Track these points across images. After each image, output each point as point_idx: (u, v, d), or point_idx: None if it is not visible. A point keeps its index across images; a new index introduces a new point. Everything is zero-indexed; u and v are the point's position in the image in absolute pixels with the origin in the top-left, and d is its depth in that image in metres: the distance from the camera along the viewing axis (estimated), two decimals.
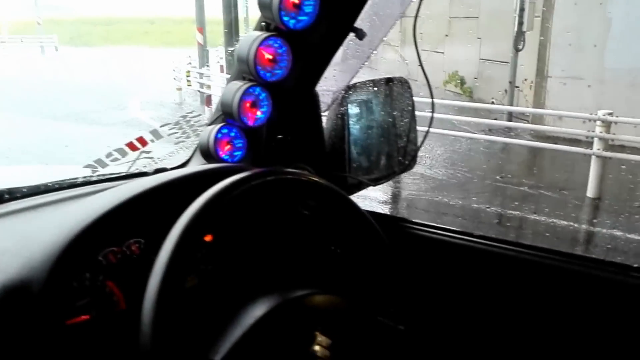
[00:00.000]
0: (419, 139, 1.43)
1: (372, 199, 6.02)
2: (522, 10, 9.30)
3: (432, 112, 1.22)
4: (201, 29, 13.31)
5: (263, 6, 1.04)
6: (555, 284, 1.18)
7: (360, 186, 1.36)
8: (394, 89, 1.42)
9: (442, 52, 12.85)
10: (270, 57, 1.10)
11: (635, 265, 1.11)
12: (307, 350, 0.82)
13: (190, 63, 13.54)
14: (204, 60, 13.37)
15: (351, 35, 1.17)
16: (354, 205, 1.00)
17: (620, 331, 1.12)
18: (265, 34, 1.09)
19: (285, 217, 1.10)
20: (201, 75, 12.79)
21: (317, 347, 0.83)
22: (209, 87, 12.18)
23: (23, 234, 0.93)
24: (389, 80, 1.39)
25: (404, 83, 1.43)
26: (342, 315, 0.92)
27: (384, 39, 1.24)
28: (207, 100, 11.89)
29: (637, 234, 5.08)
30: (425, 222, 1.32)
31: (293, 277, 1.02)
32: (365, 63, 1.26)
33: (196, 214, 0.78)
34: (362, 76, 1.35)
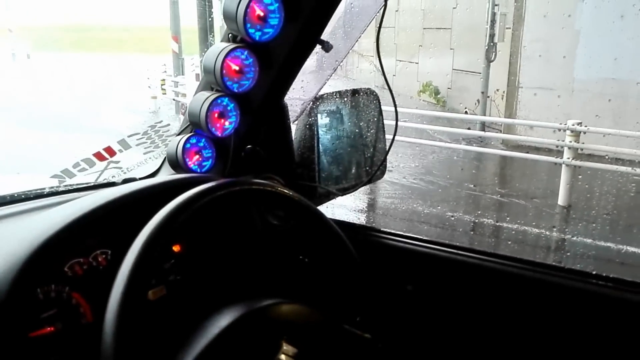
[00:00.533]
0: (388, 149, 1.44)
1: (348, 207, 6.05)
2: (493, 22, 9.48)
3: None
4: (176, 37, 13.23)
5: (228, 18, 1.05)
6: (520, 292, 1.21)
7: (329, 196, 1.37)
8: (361, 100, 1.44)
9: (417, 63, 13.00)
10: (237, 68, 1.11)
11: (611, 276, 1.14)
12: (275, 357, 0.83)
13: (165, 71, 13.44)
14: (179, 68, 13.29)
15: (318, 47, 1.18)
16: (320, 216, 1.02)
17: (589, 339, 1.14)
18: (231, 46, 1.10)
19: (254, 227, 1.10)
20: (176, 83, 12.71)
21: (282, 357, 0.83)
22: (184, 95, 12.10)
23: None
24: (356, 92, 1.41)
25: (371, 94, 1.45)
26: (308, 324, 0.92)
27: (355, 50, 1.26)
28: (182, 109, 11.80)
29: (606, 241, 5.18)
30: (394, 231, 1.34)
31: (260, 287, 1.02)
32: (331, 75, 1.28)
33: (159, 225, 0.78)
34: (339, 86, 1.38)
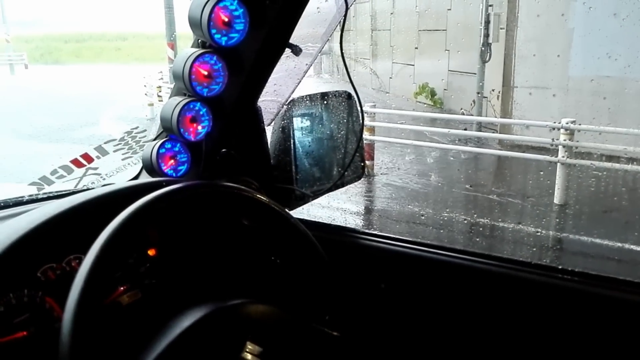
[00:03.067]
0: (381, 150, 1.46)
1: (343, 210, 6.06)
2: (487, 22, 9.51)
3: (362, 121, 1.26)
4: (172, 44, 13.27)
5: (194, 25, 1.06)
6: (491, 288, 1.22)
7: (305, 198, 1.38)
8: (337, 103, 1.45)
9: (413, 65, 13.04)
10: (206, 73, 1.13)
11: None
12: (237, 358, 0.84)
13: (161, 79, 13.48)
14: None
15: (288, 51, 1.20)
16: (286, 217, 1.03)
17: (560, 334, 1.15)
18: (199, 51, 1.11)
19: (226, 229, 1.11)
20: None
21: (247, 356, 0.84)
22: None
23: None
24: (330, 94, 1.42)
25: (347, 96, 1.46)
26: (275, 323, 0.93)
27: (350, 55, 1.28)
28: None
29: (602, 239, 5.19)
30: (368, 231, 1.35)
31: (231, 287, 1.03)
32: (303, 77, 1.29)
33: (116, 228, 0.79)
34: (335, 88, 1.40)
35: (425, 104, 12.00)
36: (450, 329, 1.25)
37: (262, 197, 1.00)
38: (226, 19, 1.06)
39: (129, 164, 1.39)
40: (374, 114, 7.90)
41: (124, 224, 0.80)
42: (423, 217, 5.99)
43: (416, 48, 13.26)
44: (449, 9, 11.79)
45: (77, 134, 11.44)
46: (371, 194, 6.76)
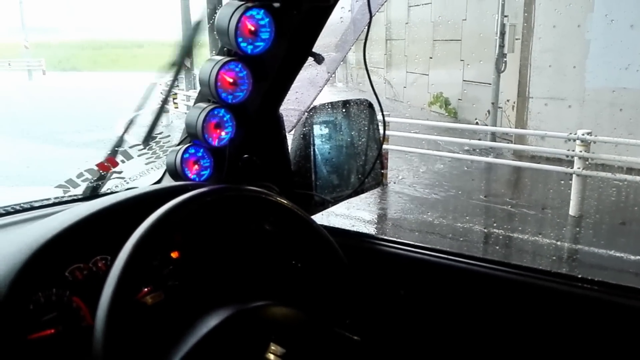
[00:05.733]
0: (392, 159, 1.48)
1: (357, 218, 6.07)
2: (502, 33, 9.52)
3: (384, 130, 1.27)
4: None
5: (221, 33, 1.09)
6: (510, 296, 1.22)
7: (324, 204, 1.40)
8: (358, 111, 1.47)
9: (427, 74, 13.06)
10: (231, 80, 1.16)
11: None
12: (260, 359, 0.85)
13: (177, 85, 13.55)
14: (191, 82, 13.43)
15: (310, 59, 1.22)
16: (310, 222, 1.05)
17: (580, 343, 1.16)
18: (225, 59, 1.14)
19: (248, 232, 1.13)
20: (188, 97, 12.83)
21: (270, 356, 0.86)
22: None
23: None
24: (351, 102, 1.44)
25: (368, 105, 1.48)
26: (297, 326, 0.95)
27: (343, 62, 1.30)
28: None
29: (619, 251, 5.14)
30: (387, 238, 1.37)
31: (254, 290, 1.05)
32: (324, 86, 1.32)
33: (147, 230, 0.81)
34: (351, 98, 1.42)
35: (439, 113, 11.99)
36: (469, 336, 1.25)
37: (287, 202, 1.01)
38: (252, 28, 1.08)
39: (152, 168, 1.42)
40: (388, 122, 7.91)
41: (155, 225, 0.82)
42: (437, 227, 5.98)
43: (431, 58, 13.28)
44: (464, 20, 11.81)
45: (85, 138, 11.62)
46: (385, 203, 6.76)
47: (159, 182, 1.43)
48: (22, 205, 1.26)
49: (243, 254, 1.13)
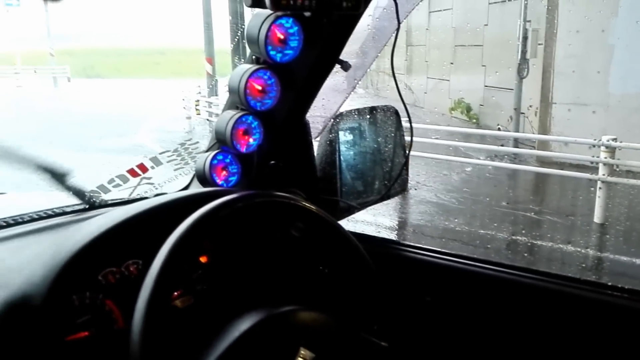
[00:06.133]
0: (413, 164, 1.48)
1: (378, 224, 6.05)
2: (525, 38, 9.44)
3: (411, 136, 1.28)
4: (210, 59, 13.54)
5: (251, 41, 1.11)
6: (537, 303, 1.22)
7: (350, 210, 1.41)
8: (382, 117, 1.48)
9: (448, 80, 12.99)
10: (260, 87, 1.18)
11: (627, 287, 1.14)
12: None
13: (199, 92, 13.75)
14: (213, 89, 13.59)
15: (337, 66, 1.24)
16: (338, 228, 1.06)
17: (610, 351, 1.14)
18: (254, 67, 1.16)
19: (276, 238, 1.15)
20: (210, 104, 12.98)
21: None
22: (216, 115, 12.35)
23: (25, 253, 0.99)
24: (377, 109, 1.46)
25: (392, 111, 1.49)
26: (325, 331, 0.96)
27: (384, 70, 1.31)
28: None
29: None
30: (413, 244, 1.37)
31: (282, 295, 1.06)
32: (350, 93, 1.33)
33: (183, 235, 0.83)
34: (371, 104, 1.43)
35: (460, 119, 11.92)
36: (497, 345, 1.25)
37: (315, 208, 1.03)
38: (282, 37, 1.10)
39: (180, 174, 1.45)
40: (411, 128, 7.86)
41: (190, 230, 0.84)
42: (458, 234, 5.93)
43: (452, 63, 13.22)
44: (486, 25, 11.74)
45: (107, 144, 11.82)
46: (405, 209, 6.73)
47: (186, 188, 1.45)
48: (54, 210, 1.29)
49: (271, 259, 1.15)
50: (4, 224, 1.19)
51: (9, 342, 0.84)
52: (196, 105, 13.29)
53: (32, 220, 1.22)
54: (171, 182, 1.48)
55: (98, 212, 1.29)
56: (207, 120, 12.72)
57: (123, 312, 0.96)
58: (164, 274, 0.79)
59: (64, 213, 1.29)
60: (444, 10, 12.80)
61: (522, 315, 1.22)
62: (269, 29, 1.09)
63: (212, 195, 1.01)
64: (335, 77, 1.29)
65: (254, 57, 1.19)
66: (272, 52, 1.12)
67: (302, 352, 0.87)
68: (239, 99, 1.19)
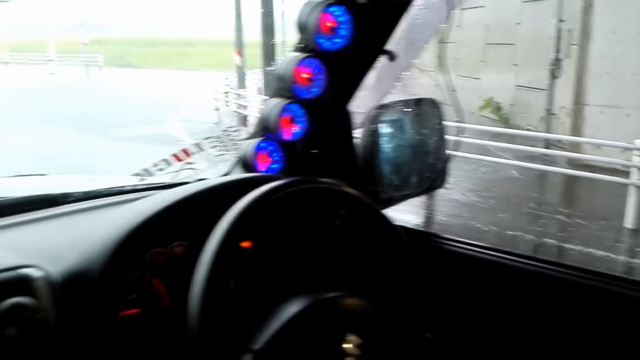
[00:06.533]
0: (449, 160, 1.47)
1: (404, 222, 6.01)
2: (558, 38, 9.29)
3: (460, 135, 1.27)
4: (240, 52, 13.63)
5: (300, 29, 1.12)
6: (583, 302, 1.20)
7: (391, 201, 1.41)
8: (424, 109, 1.47)
9: (478, 78, 12.84)
10: (307, 76, 1.18)
11: None
12: (338, 347, 0.87)
13: (228, 84, 13.86)
14: (242, 81, 13.69)
15: (383, 57, 1.24)
16: (383, 216, 1.06)
17: None
18: (302, 55, 1.17)
19: (319, 224, 1.15)
20: (239, 96, 13.07)
21: (347, 345, 0.88)
22: (244, 107, 12.48)
23: (78, 231, 1.01)
24: (419, 101, 1.44)
25: (434, 103, 1.48)
26: (371, 318, 0.96)
27: (415, 62, 1.31)
28: (243, 121, 12.13)
29: None
30: (455, 238, 1.36)
31: (324, 281, 1.07)
32: (395, 84, 1.32)
33: (237, 216, 0.85)
34: (394, 99, 1.42)
35: (490, 118, 11.77)
36: (542, 339, 1.24)
37: (362, 196, 1.03)
38: (332, 25, 1.11)
39: (221, 160, 1.46)
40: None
41: (244, 212, 0.86)
42: (485, 234, 5.88)
43: (482, 62, 13.07)
44: (518, 23, 11.57)
45: (132, 132, 12.06)
46: (432, 208, 6.69)
47: (227, 174, 1.46)
48: (102, 190, 1.33)
49: (312, 245, 1.15)
50: (51, 203, 1.22)
51: (67, 314, 0.86)
52: (225, 97, 13.40)
53: (79, 199, 1.25)
54: (212, 168, 1.49)
55: (141, 194, 1.31)
56: (235, 112, 12.83)
57: (169, 291, 0.98)
58: (221, 254, 0.81)
59: (110, 194, 1.32)
60: (476, 7, 12.64)
61: (570, 313, 1.21)
62: (319, 17, 1.09)
63: (257, 181, 1.02)
64: (380, 68, 1.28)
65: (301, 45, 1.20)
66: (321, 40, 1.12)
67: (350, 337, 0.88)
68: (285, 87, 1.20)
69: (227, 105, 13.34)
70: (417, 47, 1.28)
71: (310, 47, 1.17)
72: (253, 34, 13.50)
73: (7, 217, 1.13)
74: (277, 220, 1.10)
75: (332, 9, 1.10)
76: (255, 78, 13.78)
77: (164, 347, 0.96)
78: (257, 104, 12.09)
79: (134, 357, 0.93)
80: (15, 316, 0.82)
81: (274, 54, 11.94)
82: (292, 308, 0.87)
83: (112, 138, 11.59)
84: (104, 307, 0.89)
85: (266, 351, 0.82)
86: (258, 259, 1.09)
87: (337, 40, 1.14)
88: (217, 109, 13.55)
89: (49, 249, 0.95)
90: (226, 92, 13.44)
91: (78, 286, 0.88)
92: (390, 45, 1.24)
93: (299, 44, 1.20)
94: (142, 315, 0.95)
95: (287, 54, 1.19)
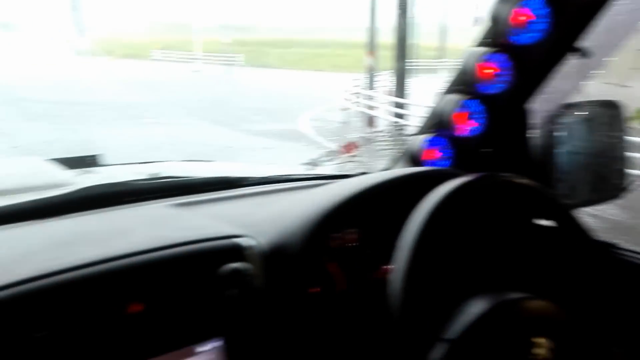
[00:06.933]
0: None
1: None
2: None
3: None
4: (372, 53, 13.71)
5: (494, 20, 1.09)
6: None
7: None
8: (605, 113, 1.37)
9: (629, 87, 11.83)
10: (492, 72, 1.15)
11: None
12: (527, 348, 0.84)
13: (357, 86, 14.06)
14: (371, 83, 13.80)
15: (574, 54, 1.16)
16: (577, 221, 1.00)
17: None
18: (489, 50, 1.14)
19: (511, 222, 1.10)
20: (368, 97, 13.20)
21: (539, 350, 0.84)
22: (372, 108, 12.60)
23: (270, 209, 1.08)
24: (601, 103, 1.35)
25: (616, 106, 1.38)
26: (561, 322, 0.91)
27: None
28: (370, 121, 12.21)
29: None
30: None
31: (508, 280, 1.03)
32: (582, 84, 1.25)
33: (441, 199, 0.85)
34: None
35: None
36: None
37: (559, 198, 0.99)
38: (526, 18, 1.07)
39: (385, 154, 1.47)
40: None
41: (447, 197, 0.86)
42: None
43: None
44: None
45: (264, 127, 12.67)
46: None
47: (390, 168, 1.47)
48: (275, 176, 1.41)
49: (496, 241, 1.11)
50: (230, 185, 1.31)
51: (272, 282, 0.93)
52: (355, 98, 13.61)
53: (255, 183, 1.34)
54: (374, 162, 1.51)
55: (308, 183, 1.37)
56: (363, 112, 12.96)
57: (345, 275, 1.01)
58: (425, 235, 0.83)
59: (281, 180, 1.39)
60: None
61: None
62: (514, 11, 1.06)
63: (435, 175, 1.01)
64: (569, 65, 1.21)
65: (486, 39, 1.17)
66: (514, 35, 1.08)
67: (541, 340, 0.84)
68: (467, 83, 1.17)
69: (356, 106, 13.51)
70: (611, 44, 1.19)
71: (498, 41, 1.14)
72: (384, 36, 13.55)
73: (197, 194, 1.23)
74: (469, 213, 1.07)
75: (530, 2, 1.06)
76: (385, 80, 13.82)
77: (341, 329, 0.98)
78: (386, 105, 12.13)
79: (315, 334, 0.97)
80: (235, 279, 0.90)
81: (405, 55, 11.88)
82: (475, 308, 0.86)
83: (246, 131, 12.30)
84: (299, 281, 0.94)
85: (461, 342, 0.82)
86: (447, 250, 1.07)
87: (531, 34, 1.09)
88: (345, 109, 13.78)
89: (252, 222, 1.03)
90: (356, 93, 13.62)
91: (280, 258, 0.95)
92: (583, 42, 1.16)
93: (484, 38, 1.17)
94: (322, 295, 0.98)
95: (473, 48, 1.17)
